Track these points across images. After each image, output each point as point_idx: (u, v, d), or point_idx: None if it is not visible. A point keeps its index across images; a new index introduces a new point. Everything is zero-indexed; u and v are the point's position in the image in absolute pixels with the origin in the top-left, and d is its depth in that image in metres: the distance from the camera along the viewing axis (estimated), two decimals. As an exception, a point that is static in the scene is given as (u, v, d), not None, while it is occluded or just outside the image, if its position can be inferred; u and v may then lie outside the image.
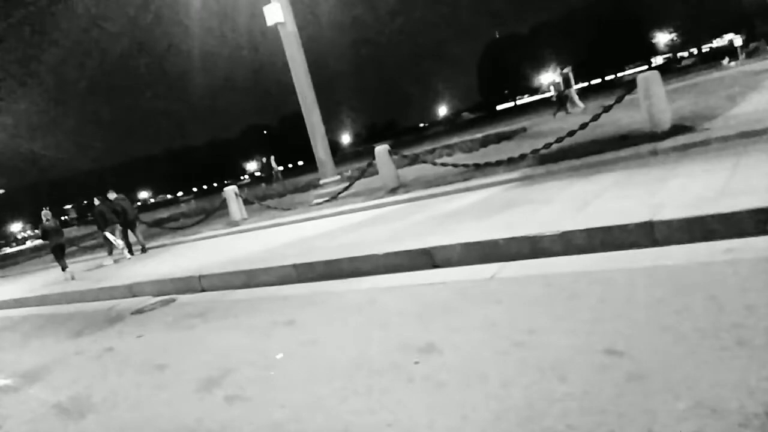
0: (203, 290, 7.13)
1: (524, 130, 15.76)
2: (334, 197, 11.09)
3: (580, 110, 17.44)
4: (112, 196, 13.32)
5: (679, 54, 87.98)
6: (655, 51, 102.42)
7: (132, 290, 8.15)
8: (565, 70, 17.55)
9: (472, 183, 8.18)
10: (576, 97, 17.88)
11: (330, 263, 5.73)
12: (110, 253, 12.99)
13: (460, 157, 12.49)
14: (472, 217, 6.00)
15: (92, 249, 17.70)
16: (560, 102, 18.11)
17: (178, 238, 13.52)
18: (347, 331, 3.90)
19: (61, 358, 5.37)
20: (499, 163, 8.55)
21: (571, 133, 8.00)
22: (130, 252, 13.11)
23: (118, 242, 12.72)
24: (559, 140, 7.86)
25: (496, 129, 19.34)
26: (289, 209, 11.74)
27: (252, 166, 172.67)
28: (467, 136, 18.99)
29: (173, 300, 7.04)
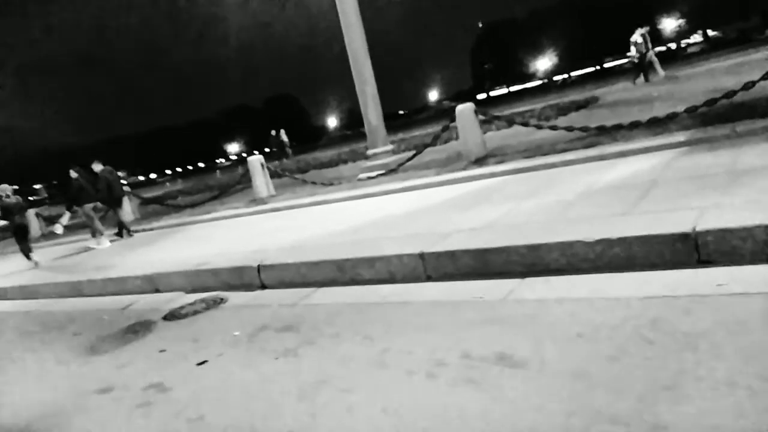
0: (263, 287, 5.18)
1: (596, 99, 13.92)
2: (392, 170, 9.15)
3: (660, 78, 15.59)
4: (97, 167, 11.21)
5: (685, 41, 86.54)
6: (660, 38, 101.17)
7: (154, 283, 6.18)
8: (644, 30, 15.61)
9: (608, 150, 6.33)
10: (657, 63, 16.01)
11: (487, 253, 3.83)
12: (94, 234, 10.91)
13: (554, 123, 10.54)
14: (698, 189, 4.15)
15: (70, 230, 15.48)
16: (640, 67, 16.10)
17: (186, 218, 11.49)
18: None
19: (79, 401, 3.42)
20: (634, 126, 6.69)
21: (730, 94, 6.19)
22: (119, 235, 11.06)
23: (61, 227, 10.74)
24: (729, 95, 6.02)
25: (570, 98, 17.42)
26: (331, 184, 9.76)
27: (234, 147, 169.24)
28: (527, 106, 17.08)
29: (222, 300, 5.09)
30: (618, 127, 6.80)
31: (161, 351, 3.99)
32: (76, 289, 7.12)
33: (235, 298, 5.12)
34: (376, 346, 3.10)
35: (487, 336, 2.87)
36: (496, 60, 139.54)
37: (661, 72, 15.94)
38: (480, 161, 7.85)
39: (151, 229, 11.65)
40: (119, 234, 11.51)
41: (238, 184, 12.79)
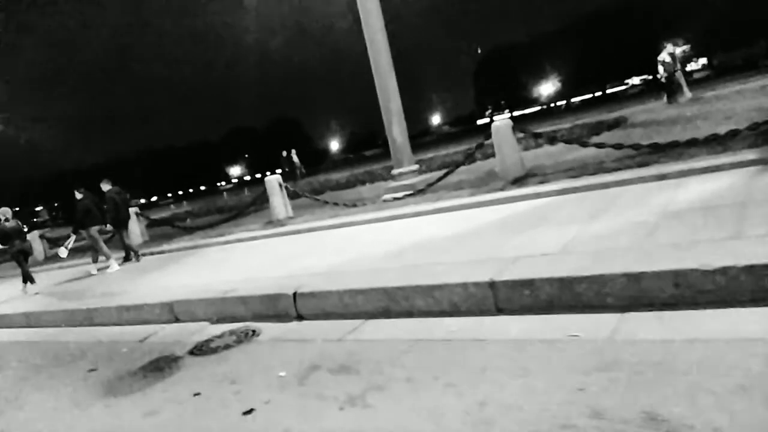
0: (300, 317, 4.65)
1: (625, 119, 13.52)
2: (420, 190, 8.67)
3: (686, 99, 15.21)
4: (105, 186, 10.76)
5: (689, 66, 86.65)
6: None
7: (173, 311, 5.65)
8: (676, 49, 15.25)
9: (668, 169, 5.86)
10: (684, 85, 15.64)
11: (575, 283, 3.32)
12: (95, 259, 10.40)
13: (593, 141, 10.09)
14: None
15: (73, 253, 14.95)
16: (669, 87, 15.68)
17: (199, 240, 10.98)
18: None
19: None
20: (691, 144, 6.24)
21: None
22: (127, 258, 10.55)
23: (65, 251, 10.24)
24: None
25: (593, 118, 17.04)
26: (354, 206, 9.28)
27: (236, 170, 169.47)
28: (551, 126, 16.67)
29: (254, 333, 4.57)
30: (673, 145, 6.34)
31: (195, 395, 3.45)
32: (86, 318, 6.59)
33: (268, 330, 4.59)
34: (467, 397, 2.57)
35: (614, 387, 2.34)
36: (498, 85, 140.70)
37: (688, 93, 15.58)
38: (519, 181, 7.38)
39: (161, 252, 11.15)
40: (127, 258, 11.00)
41: (252, 205, 12.30)
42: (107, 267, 10.10)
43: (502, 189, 7.36)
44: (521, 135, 7.84)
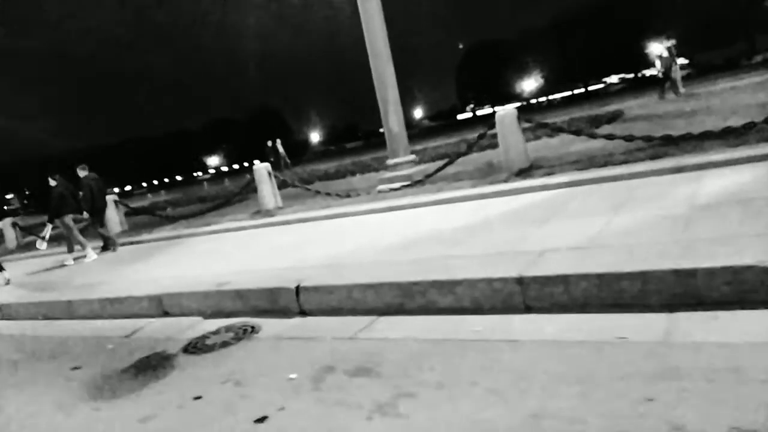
0: (303, 313, 4.33)
1: (621, 113, 13.38)
2: (418, 181, 8.38)
3: (681, 94, 15.13)
4: (82, 173, 10.25)
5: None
6: (645, 62, 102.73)
7: (162, 305, 5.28)
8: (670, 44, 15.18)
9: (685, 161, 5.66)
10: (680, 80, 15.57)
11: (619, 279, 3.07)
12: (71, 249, 9.90)
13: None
14: None
15: (31, 247, 14.32)
16: (665, 81, 15.59)
17: (182, 230, 10.54)
18: None
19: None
20: (705, 136, 6.05)
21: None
22: (105, 248, 10.10)
23: (44, 242, 9.75)
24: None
25: (587, 112, 16.86)
26: (347, 196, 8.96)
27: (213, 161, 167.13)
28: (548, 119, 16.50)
29: (253, 329, 4.24)
30: (687, 138, 6.15)
31: (196, 398, 3.12)
32: (66, 311, 6.17)
33: (269, 326, 4.26)
34: (516, 407, 2.29)
35: (688, 398, 2.08)
36: (480, 80, 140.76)
37: (681, 89, 15.53)
38: (524, 173, 7.14)
39: (142, 242, 10.69)
40: (105, 247, 10.52)
41: (237, 195, 11.88)
42: (84, 257, 9.62)
43: (506, 180, 7.11)
44: (527, 125, 7.59)
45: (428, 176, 8.38)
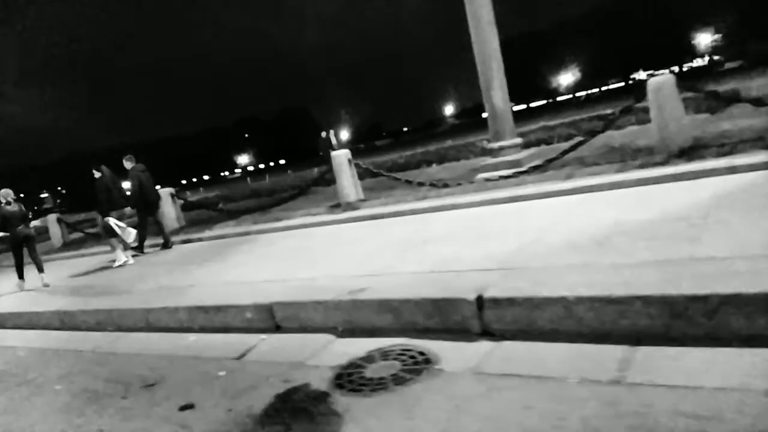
0: (487, 334, 3.17)
1: (739, 92, 11.89)
2: (538, 167, 7.17)
3: None
4: (128, 164, 9.33)
5: (719, 56, 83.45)
6: (693, 53, 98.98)
7: (274, 317, 4.20)
8: None
9: None
10: None
11: None
12: (125, 248, 8.92)
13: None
14: None
15: (77, 244, 13.51)
16: None
17: (250, 226, 9.52)
18: None
19: None
20: None
21: None
22: (140, 249, 9.16)
23: (129, 231, 8.71)
24: None
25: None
26: (445, 186, 7.78)
27: (243, 159, 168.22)
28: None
29: (426, 358, 3.08)
30: None
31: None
32: (141, 320, 5.15)
33: (446, 353, 3.11)
34: None
35: None
36: (514, 74, 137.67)
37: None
38: (687, 153, 5.85)
39: (203, 239, 9.71)
40: (165, 245, 9.58)
41: (300, 188, 10.81)
42: (124, 257, 8.73)
43: (664, 163, 5.84)
44: (689, 95, 6.30)
45: (550, 161, 7.14)
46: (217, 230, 9.98)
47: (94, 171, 9.16)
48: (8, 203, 8.43)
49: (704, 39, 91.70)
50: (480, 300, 3.25)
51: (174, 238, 10.11)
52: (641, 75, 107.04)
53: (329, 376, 3.13)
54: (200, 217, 12.41)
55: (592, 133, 7.08)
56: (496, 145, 8.07)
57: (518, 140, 8.21)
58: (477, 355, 3.00)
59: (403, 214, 7.33)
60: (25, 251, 8.59)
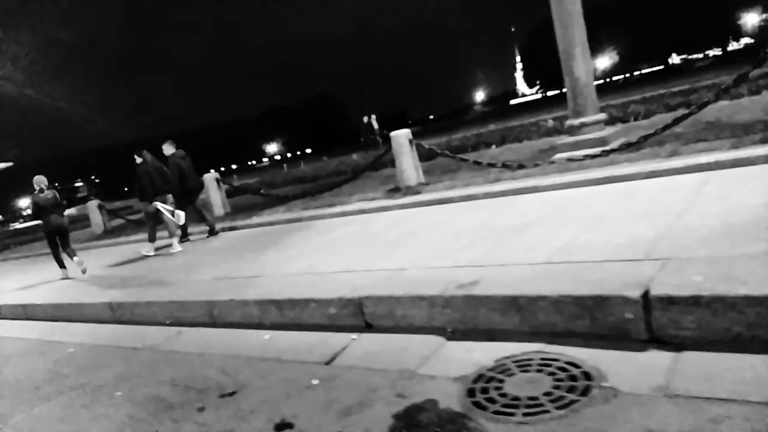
0: (656, 341, 2.50)
1: None
2: (633, 144, 6.43)
3: None
4: (168, 149, 8.85)
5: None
6: (739, 34, 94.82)
7: (363, 314, 3.62)
8: None
9: None
10: None
11: None
12: (171, 234, 8.48)
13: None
14: None
15: (118, 231, 13.16)
16: None
17: (301, 212, 8.98)
18: None
19: None
20: None
21: None
22: (184, 236, 8.74)
23: (178, 214, 8.27)
24: None
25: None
26: (521, 167, 7.08)
27: (272, 148, 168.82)
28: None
29: (584, 373, 2.41)
30: None
31: None
32: (205, 314, 4.62)
33: (610, 367, 2.46)
34: None
35: None
36: (546, 60, 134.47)
37: None
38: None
39: (252, 226, 9.22)
40: (211, 232, 9.13)
41: (363, 171, 10.20)
42: (177, 245, 8.36)
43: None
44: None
45: (646, 137, 6.36)
46: (266, 216, 9.47)
47: (136, 156, 8.72)
48: (41, 190, 8.11)
49: (751, 19, 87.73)
50: (646, 298, 2.58)
51: (220, 225, 9.66)
52: (675, 59, 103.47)
53: (457, 391, 2.52)
54: (245, 203, 11.95)
55: (700, 106, 6.26)
56: (576, 121, 7.32)
57: (602, 116, 7.43)
58: (657, 370, 2.34)
59: (476, 198, 6.67)
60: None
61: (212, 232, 9.09)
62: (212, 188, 10.66)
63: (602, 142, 6.97)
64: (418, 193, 7.77)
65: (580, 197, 5.39)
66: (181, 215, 8.28)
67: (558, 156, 7.22)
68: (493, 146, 10.56)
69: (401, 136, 8.19)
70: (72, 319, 6.00)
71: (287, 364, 3.35)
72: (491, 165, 7.47)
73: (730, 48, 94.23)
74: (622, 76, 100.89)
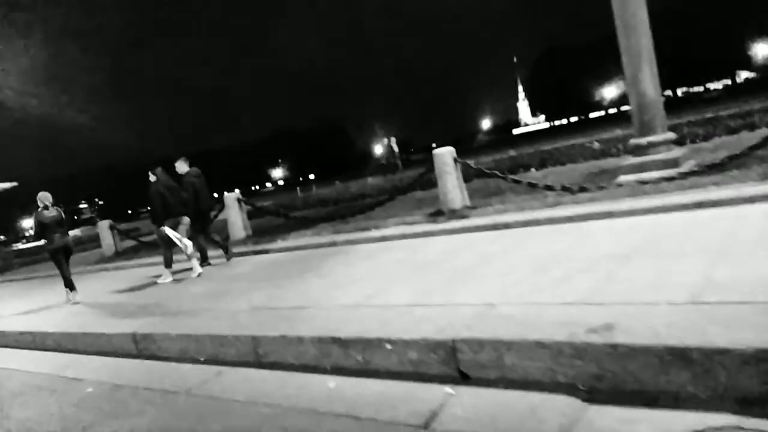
0: None
1: None
2: (716, 165, 5.80)
3: None
4: (182, 167, 8.27)
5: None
6: (748, 64, 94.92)
7: (457, 360, 2.93)
8: None
9: None
10: None
11: None
12: (190, 256, 7.85)
13: None
14: None
15: (131, 253, 12.51)
16: None
17: (334, 235, 8.35)
18: None
19: None
20: None
21: None
22: (204, 260, 8.12)
23: (185, 243, 7.64)
24: None
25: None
26: (583, 190, 6.46)
27: (277, 172, 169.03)
28: None
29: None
30: None
31: None
32: (250, 352, 3.95)
33: None
34: None
35: None
36: (552, 89, 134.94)
37: None
38: None
39: (277, 251, 8.56)
40: (226, 253, 8.49)
41: (398, 193, 9.59)
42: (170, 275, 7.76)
43: None
44: None
45: (732, 158, 5.74)
46: (294, 240, 8.83)
47: (150, 174, 8.07)
48: (46, 207, 7.61)
49: (762, 50, 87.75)
50: None
51: (243, 248, 9.04)
52: (678, 91, 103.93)
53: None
54: (266, 225, 11.32)
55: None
56: (643, 140, 6.70)
57: (671, 135, 6.82)
58: None
59: (537, 224, 6.03)
60: None
61: (226, 253, 8.47)
62: (233, 208, 10.05)
63: (674, 163, 6.36)
64: (464, 217, 7.14)
65: (672, 224, 4.74)
66: (188, 245, 7.68)
67: (624, 178, 6.60)
68: (532, 169, 9.95)
69: (445, 154, 7.59)
70: (88, 351, 5.33)
71: (368, 425, 2.68)
72: (549, 188, 6.83)
73: (738, 80, 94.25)
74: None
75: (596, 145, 10.74)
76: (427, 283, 4.45)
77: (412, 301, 3.97)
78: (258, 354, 3.92)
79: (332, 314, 4.05)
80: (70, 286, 7.73)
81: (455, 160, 7.56)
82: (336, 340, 3.49)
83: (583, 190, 6.53)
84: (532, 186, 7.07)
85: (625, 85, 6.81)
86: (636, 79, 6.67)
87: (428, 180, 9.94)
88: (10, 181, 23.53)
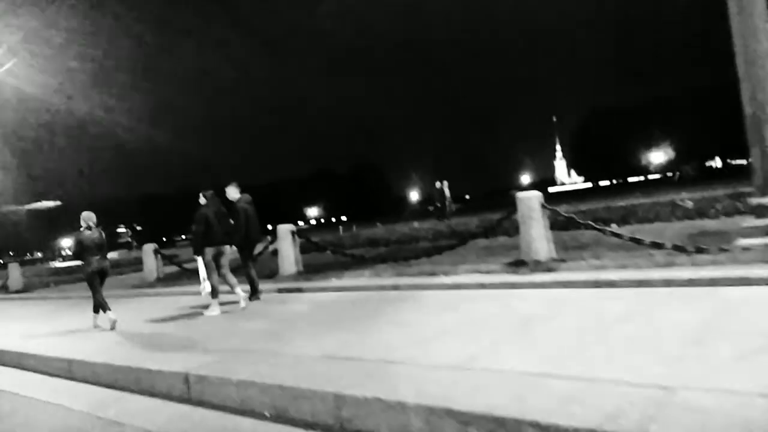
0: None
1: None
2: None
3: None
4: (234, 193, 7.76)
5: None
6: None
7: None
8: None
9: None
10: None
11: None
12: (232, 286, 7.33)
13: None
14: None
15: (173, 279, 11.97)
16: None
17: (396, 279, 7.64)
18: None
19: None
20: None
21: None
22: (255, 293, 7.52)
23: (204, 284, 7.16)
24: None
25: None
26: (699, 250, 5.62)
27: (313, 211, 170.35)
28: None
29: None
30: None
31: None
32: (330, 412, 3.22)
33: None
34: None
35: None
36: (596, 151, 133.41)
37: None
38: None
39: (335, 290, 7.88)
40: (253, 293, 7.85)
41: (474, 235, 8.87)
42: (206, 307, 7.18)
43: None
44: None
45: None
46: (350, 280, 8.16)
47: (201, 195, 7.55)
48: (88, 228, 7.27)
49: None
50: None
51: (294, 284, 8.41)
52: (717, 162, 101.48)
53: None
54: (316, 262, 10.70)
55: None
56: (761, 200, 5.88)
57: (802, 195, 6.00)
58: None
59: (650, 285, 5.22)
60: None
61: (254, 294, 7.84)
62: (286, 241, 9.48)
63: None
64: (552, 270, 6.37)
65: None
66: (207, 287, 7.18)
67: (747, 242, 5.75)
68: (613, 225, 9.14)
69: (532, 198, 6.88)
70: (129, 388, 4.68)
71: None
72: (657, 245, 6.01)
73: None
74: (678, 173, 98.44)
75: (689, 203, 9.87)
76: (545, 347, 3.69)
77: (538, 369, 3.21)
78: (340, 417, 3.20)
79: (432, 376, 3.31)
80: (101, 309, 7.26)
81: (543, 206, 6.84)
82: (451, 413, 2.75)
83: (700, 251, 5.69)
84: (636, 241, 6.25)
85: (748, 137, 6.03)
86: (762, 131, 5.89)
87: (491, 227, 9.29)
88: (55, 200, 23.71)
